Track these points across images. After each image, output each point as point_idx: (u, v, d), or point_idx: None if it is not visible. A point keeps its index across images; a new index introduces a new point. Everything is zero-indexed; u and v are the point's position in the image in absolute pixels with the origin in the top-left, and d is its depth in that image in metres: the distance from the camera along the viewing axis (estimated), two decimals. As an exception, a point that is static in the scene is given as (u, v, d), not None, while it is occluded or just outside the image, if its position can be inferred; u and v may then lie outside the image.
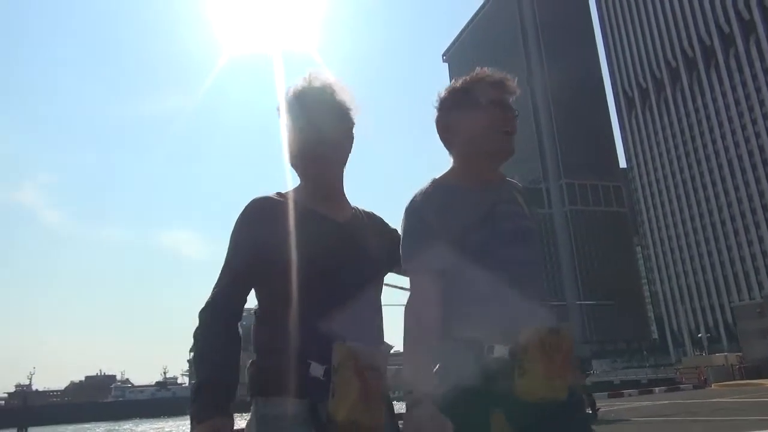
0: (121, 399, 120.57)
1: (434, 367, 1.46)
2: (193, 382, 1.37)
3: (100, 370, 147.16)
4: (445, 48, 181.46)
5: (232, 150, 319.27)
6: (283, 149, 1.57)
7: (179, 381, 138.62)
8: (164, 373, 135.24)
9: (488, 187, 1.62)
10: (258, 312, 1.52)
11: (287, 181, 1.63)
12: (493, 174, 1.66)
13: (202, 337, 1.42)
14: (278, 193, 1.58)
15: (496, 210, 1.57)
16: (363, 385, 1.32)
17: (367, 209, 1.72)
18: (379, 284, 1.57)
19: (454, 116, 1.65)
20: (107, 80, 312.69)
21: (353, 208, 1.66)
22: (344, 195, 1.65)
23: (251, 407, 1.41)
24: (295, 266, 1.43)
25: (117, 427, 64.19)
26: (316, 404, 1.33)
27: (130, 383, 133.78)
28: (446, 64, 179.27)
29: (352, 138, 1.62)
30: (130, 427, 63.80)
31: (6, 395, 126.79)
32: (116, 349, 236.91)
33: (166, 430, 45.81)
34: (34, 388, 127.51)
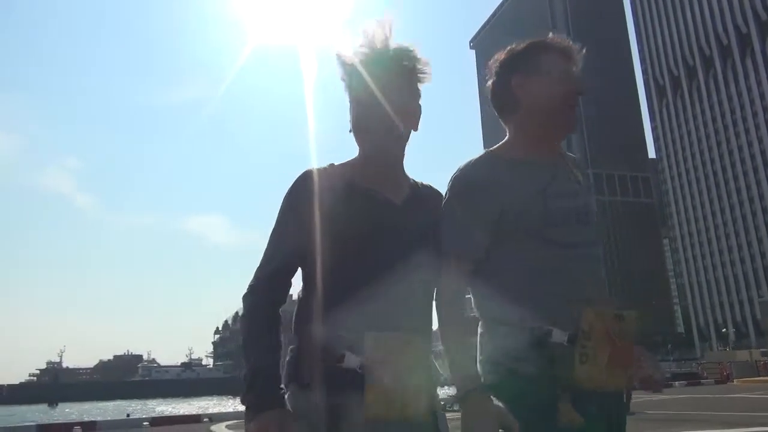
0: (147, 378, 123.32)
1: (481, 353, 1.39)
2: (244, 370, 1.31)
3: (128, 350, 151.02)
4: (473, 35, 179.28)
5: (257, 136, 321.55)
6: (348, 116, 1.45)
7: (204, 362, 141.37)
8: (189, 354, 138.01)
9: (547, 162, 1.48)
10: (300, 296, 1.44)
11: (313, 164, 1.58)
12: (553, 148, 1.52)
13: (247, 323, 1.35)
14: (332, 165, 1.46)
15: (553, 186, 1.43)
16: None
17: (430, 185, 1.57)
18: (430, 268, 1.40)
19: (518, 82, 1.49)
20: (136, 67, 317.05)
21: (414, 184, 1.51)
22: (404, 172, 1.50)
23: (285, 396, 1.31)
24: (340, 247, 1.33)
25: (143, 406, 65.65)
26: (348, 395, 1.24)
27: (156, 363, 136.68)
28: (473, 51, 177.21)
29: (419, 111, 1.46)
30: (155, 406, 65.26)
31: (38, 372, 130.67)
32: (143, 330, 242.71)
33: (188, 410, 46.74)
34: (64, 365, 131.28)
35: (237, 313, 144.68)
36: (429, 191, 1.53)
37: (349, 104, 1.43)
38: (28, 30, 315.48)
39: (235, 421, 19.88)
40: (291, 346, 1.39)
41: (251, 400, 1.26)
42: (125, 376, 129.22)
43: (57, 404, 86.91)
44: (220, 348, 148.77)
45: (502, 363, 1.35)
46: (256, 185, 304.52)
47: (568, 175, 1.49)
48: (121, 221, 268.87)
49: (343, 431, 1.25)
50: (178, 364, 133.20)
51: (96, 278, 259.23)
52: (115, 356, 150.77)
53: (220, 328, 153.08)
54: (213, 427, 17.88)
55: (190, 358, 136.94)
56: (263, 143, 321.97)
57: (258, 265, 1.41)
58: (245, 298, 1.37)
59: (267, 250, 1.42)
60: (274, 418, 1.23)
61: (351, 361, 1.25)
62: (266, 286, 1.37)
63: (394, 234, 1.36)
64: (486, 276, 1.42)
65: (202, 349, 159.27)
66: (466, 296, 1.41)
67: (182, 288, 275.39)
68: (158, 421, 21.32)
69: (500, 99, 1.54)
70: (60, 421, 23.73)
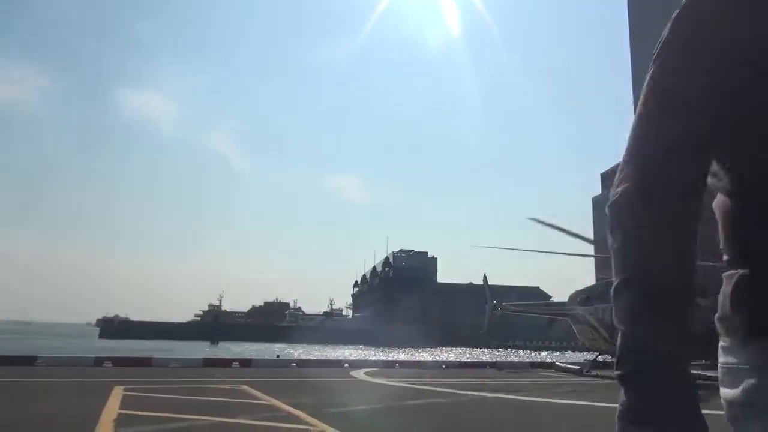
0: (294, 325, 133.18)
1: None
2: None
3: (276, 298, 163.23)
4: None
5: (394, 95, 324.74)
6: None
7: (344, 313, 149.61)
8: (331, 304, 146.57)
9: None
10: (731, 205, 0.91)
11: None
12: None
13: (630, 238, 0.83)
14: None
15: None
16: None
17: None
18: None
19: None
20: (287, 29, 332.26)
21: None
22: None
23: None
24: None
25: (289, 349, 71.30)
26: None
27: (302, 311, 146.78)
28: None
29: None
30: (299, 349, 70.59)
31: (201, 313, 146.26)
32: (290, 280, 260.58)
33: (331, 355, 49.92)
34: (223, 308, 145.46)
35: (374, 267, 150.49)
36: None
37: None
38: (193, 7, 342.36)
39: (372, 369, 21.19)
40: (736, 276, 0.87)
41: None
42: (274, 321, 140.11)
43: (218, 342, 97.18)
44: (359, 300, 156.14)
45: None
46: (390, 144, 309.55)
47: None
48: (271, 178, 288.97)
49: None
50: (321, 313, 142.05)
51: (249, 231, 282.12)
52: (265, 303, 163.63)
53: (358, 281, 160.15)
54: (353, 372, 19.25)
55: (332, 308, 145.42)
56: (400, 102, 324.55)
57: (624, 155, 0.89)
58: (615, 209, 0.87)
59: (641, 125, 0.89)
60: None
61: None
62: (647, 189, 0.84)
63: None
64: None
65: (342, 301, 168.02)
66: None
67: (323, 242, 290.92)
68: (304, 363, 23.32)
69: None
70: (221, 357, 26.70)
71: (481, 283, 34.01)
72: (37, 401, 10.42)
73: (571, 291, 25.41)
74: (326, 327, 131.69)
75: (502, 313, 30.06)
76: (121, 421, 7.64)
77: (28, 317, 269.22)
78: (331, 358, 30.51)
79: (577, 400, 12.47)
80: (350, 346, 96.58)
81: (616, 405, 0.79)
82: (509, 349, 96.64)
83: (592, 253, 29.71)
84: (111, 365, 19.09)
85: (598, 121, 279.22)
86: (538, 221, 24.24)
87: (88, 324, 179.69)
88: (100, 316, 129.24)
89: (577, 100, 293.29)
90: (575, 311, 23.88)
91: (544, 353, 75.55)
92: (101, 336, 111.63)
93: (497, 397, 12.73)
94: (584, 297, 23.83)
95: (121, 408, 8.85)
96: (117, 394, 10.70)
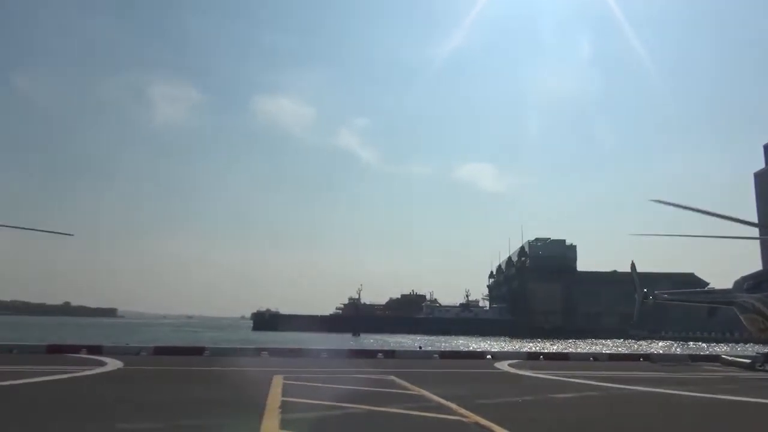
0: (430, 316, 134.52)
1: None
2: None
3: (413, 290, 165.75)
4: None
5: (524, 84, 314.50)
6: None
7: (480, 304, 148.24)
8: (467, 295, 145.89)
9: None
10: None
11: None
12: None
13: None
14: None
15: None
16: None
17: None
18: None
19: None
20: (402, 27, 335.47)
21: None
22: None
23: None
24: None
25: (427, 340, 72.17)
26: None
27: (438, 303, 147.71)
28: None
29: None
30: (437, 340, 71.21)
31: (342, 306, 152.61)
32: (425, 272, 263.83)
33: (472, 347, 49.76)
34: (362, 301, 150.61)
35: (509, 257, 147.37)
36: None
37: None
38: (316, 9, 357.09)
39: (516, 361, 20.77)
40: None
41: None
42: (411, 312, 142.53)
43: (359, 334, 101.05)
44: (494, 291, 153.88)
45: None
46: (522, 131, 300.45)
47: None
48: (399, 172, 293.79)
49: None
50: (457, 304, 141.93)
51: (384, 225, 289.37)
52: (402, 295, 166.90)
53: (493, 272, 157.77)
54: (497, 364, 19.01)
55: (468, 300, 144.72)
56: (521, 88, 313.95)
57: None
58: None
59: None
60: None
61: None
62: None
63: None
64: None
65: (478, 292, 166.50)
66: None
67: (457, 233, 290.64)
68: (446, 354, 23.42)
69: None
70: (366, 348, 27.73)
71: (628, 270, 31.89)
72: (210, 387, 11.50)
73: (733, 278, 23.14)
74: (462, 318, 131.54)
75: (654, 303, 28.01)
76: (285, 407, 8.18)
77: (190, 312, 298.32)
78: (471, 349, 30.38)
79: (755, 397, 11.29)
80: (488, 338, 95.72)
81: None
82: (661, 341, 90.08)
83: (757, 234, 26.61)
84: (268, 355, 20.56)
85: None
86: (662, 202, 22.11)
87: (242, 318, 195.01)
88: (254, 311, 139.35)
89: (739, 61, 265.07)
90: (742, 299, 21.69)
91: (703, 345, 69.44)
92: (254, 328, 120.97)
93: (657, 392, 11.89)
94: (752, 283, 21.61)
95: (283, 395, 9.48)
96: (277, 382, 11.49)
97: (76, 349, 19.86)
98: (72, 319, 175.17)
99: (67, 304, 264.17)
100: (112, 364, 15.68)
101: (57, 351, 19.61)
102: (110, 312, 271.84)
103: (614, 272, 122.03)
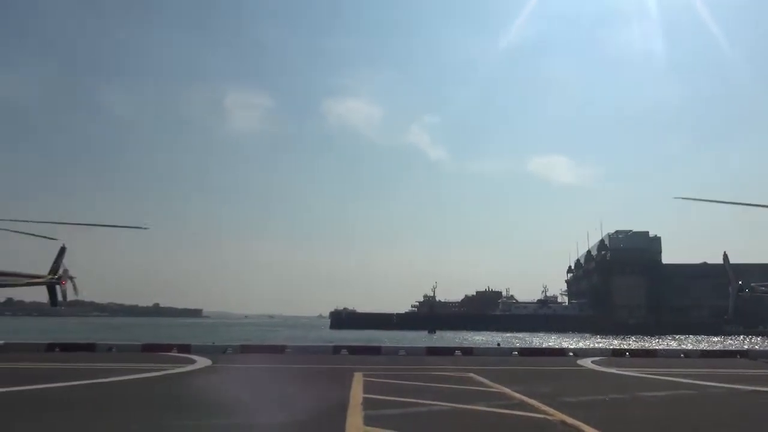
0: (507, 313, 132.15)
1: None
2: None
3: (488, 287, 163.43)
4: None
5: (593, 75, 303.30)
6: None
7: (558, 300, 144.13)
8: (544, 291, 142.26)
9: None
10: None
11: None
12: None
13: None
14: None
15: None
16: None
17: None
18: None
19: None
20: (470, 22, 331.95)
21: None
22: None
23: None
24: None
25: (505, 337, 70.93)
26: None
27: (514, 299, 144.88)
28: None
29: None
30: (514, 337, 69.84)
31: (417, 303, 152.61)
32: (500, 268, 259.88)
33: (553, 344, 48.56)
34: (437, 299, 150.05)
35: (588, 251, 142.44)
36: None
37: None
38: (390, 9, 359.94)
39: (600, 358, 20.06)
40: None
41: None
42: (486, 309, 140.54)
43: (435, 331, 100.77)
44: (573, 286, 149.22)
45: None
46: (593, 121, 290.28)
47: None
48: (469, 168, 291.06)
49: None
50: (534, 300, 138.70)
51: (454, 222, 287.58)
52: (477, 292, 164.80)
53: (572, 267, 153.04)
54: (579, 361, 18.42)
55: (545, 296, 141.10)
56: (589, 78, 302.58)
57: None
58: None
59: None
60: None
61: None
62: None
63: None
64: None
65: (556, 287, 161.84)
66: None
67: (532, 228, 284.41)
68: (526, 351, 22.97)
69: None
70: (444, 346, 27.63)
71: (720, 262, 30.05)
72: (294, 384, 11.83)
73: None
74: (540, 314, 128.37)
75: (750, 296, 26.27)
76: (368, 404, 8.30)
77: (271, 312, 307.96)
78: (552, 346, 29.60)
79: None
80: (568, 334, 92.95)
81: None
82: (759, 337, 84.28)
83: None
84: (347, 353, 20.91)
85: None
86: (686, 198, 20.36)
87: (320, 316, 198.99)
88: (332, 309, 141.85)
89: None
90: None
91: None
92: (332, 327, 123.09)
93: (758, 391, 11.17)
94: None
95: (364, 392, 9.63)
96: (358, 379, 11.67)
97: (167, 348, 20.98)
98: (162, 319, 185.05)
99: (156, 305, 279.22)
100: (201, 362, 16.44)
101: (150, 350, 20.81)
102: (196, 312, 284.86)
103: (704, 264, 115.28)
